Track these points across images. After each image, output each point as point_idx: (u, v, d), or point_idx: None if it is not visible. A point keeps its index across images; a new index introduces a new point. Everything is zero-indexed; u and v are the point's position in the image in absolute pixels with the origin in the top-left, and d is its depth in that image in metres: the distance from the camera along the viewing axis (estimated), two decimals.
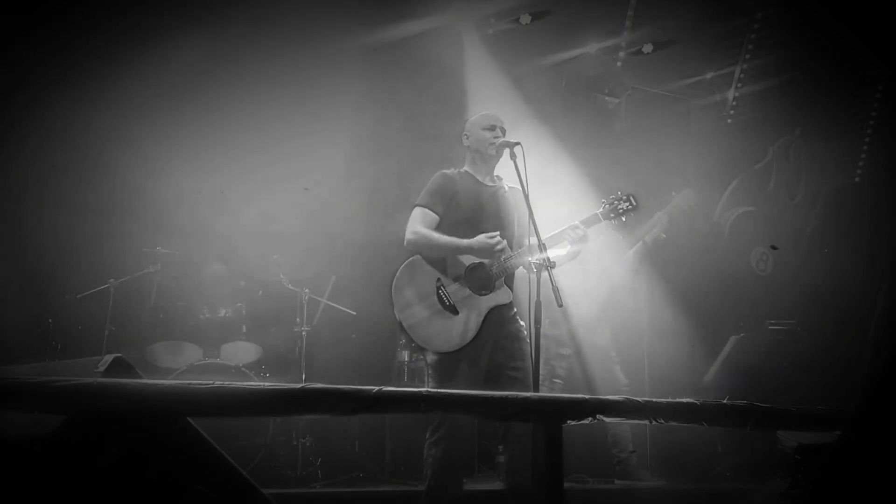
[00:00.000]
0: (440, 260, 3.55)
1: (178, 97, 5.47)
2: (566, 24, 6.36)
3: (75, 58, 5.23)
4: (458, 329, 3.42)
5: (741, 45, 6.93)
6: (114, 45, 5.28)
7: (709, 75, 7.12)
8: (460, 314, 3.45)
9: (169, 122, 5.50)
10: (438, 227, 3.54)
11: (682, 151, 6.99)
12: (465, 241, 3.47)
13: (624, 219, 3.61)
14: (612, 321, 5.30)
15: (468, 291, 3.50)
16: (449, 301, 3.46)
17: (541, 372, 5.04)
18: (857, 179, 7.35)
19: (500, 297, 3.51)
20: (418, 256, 3.56)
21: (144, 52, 5.33)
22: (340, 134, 5.98)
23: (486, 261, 3.50)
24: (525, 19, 6.18)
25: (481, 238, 3.44)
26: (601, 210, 3.61)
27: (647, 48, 6.65)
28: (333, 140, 5.94)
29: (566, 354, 5.11)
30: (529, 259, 3.36)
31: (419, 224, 3.53)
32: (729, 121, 7.32)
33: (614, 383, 5.04)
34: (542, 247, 3.22)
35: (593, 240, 3.68)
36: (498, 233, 3.46)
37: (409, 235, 3.53)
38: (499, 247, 3.43)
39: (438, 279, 3.50)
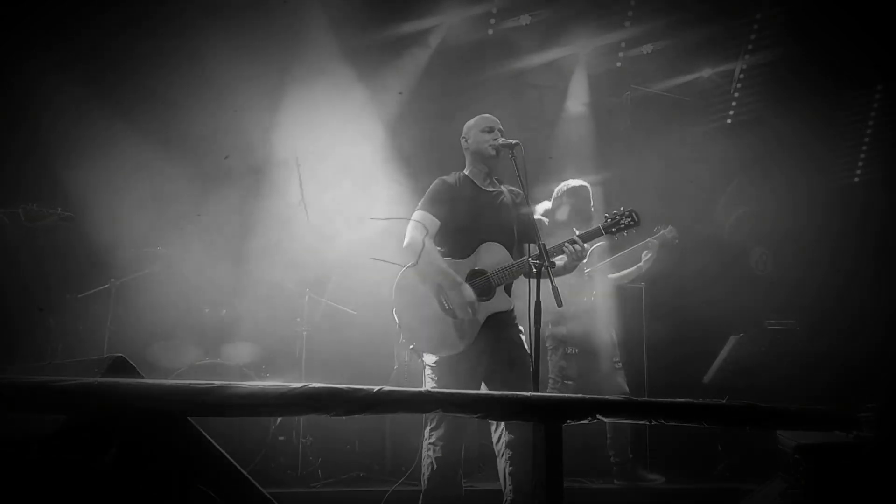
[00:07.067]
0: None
1: (178, 97, 5.48)
2: (565, 23, 6.36)
3: (80, 60, 5.24)
4: (457, 334, 3.42)
5: (741, 44, 6.94)
6: (124, 44, 5.30)
7: (708, 74, 7.13)
8: (459, 319, 3.45)
9: (170, 122, 5.51)
10: (439, 232, 3.57)
11: (682, 151, 6.99)
12: (455, 279, 3.44)
13: (626, 234, 3.61)
14: (614, 324, 5.25)
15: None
16: (448, 305, 3.46)
17: (550, 373, 5.07)
18: (856, 179, 7.35)
19: (499, 304, 3.51)
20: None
21: (150, 56, 5.36)
22: (341, 133, 5.98)
23: (486, 269, 3.51)
24: (525, 19, 6.19)
25: (466, 293, 3.41)
26: (603, 224, 3.62)
27: (647, 48, 6.66)
28: (334, 139, 5.94)
29: (574, 354, 5.05)
30: (530, 259, 3.37)
31: (421, 229, 3.53)
32: (729, 121, 7.33)
33: (616, 391, 4.93)
34: (542, 248, 3.22)
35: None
36: (475, 300, 3.42)
37: (409, 241, 3.53)
38: (468, 311, 3.40)
39: (440, 283, 3.49)
